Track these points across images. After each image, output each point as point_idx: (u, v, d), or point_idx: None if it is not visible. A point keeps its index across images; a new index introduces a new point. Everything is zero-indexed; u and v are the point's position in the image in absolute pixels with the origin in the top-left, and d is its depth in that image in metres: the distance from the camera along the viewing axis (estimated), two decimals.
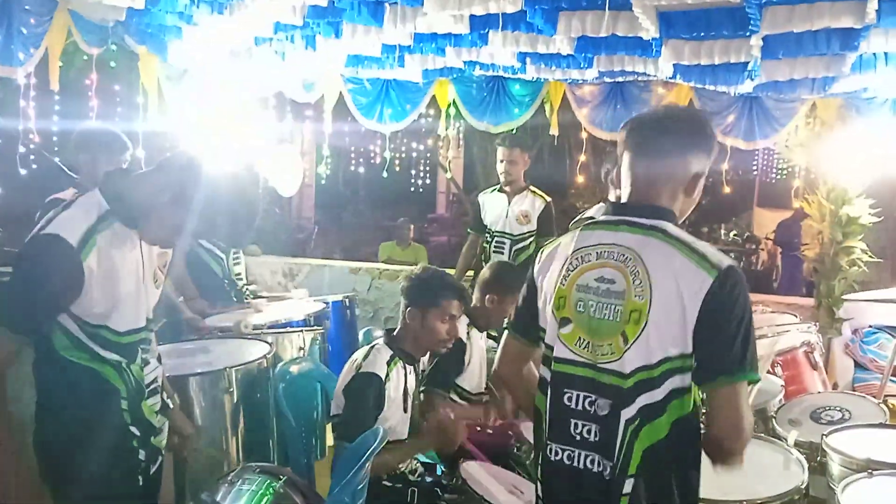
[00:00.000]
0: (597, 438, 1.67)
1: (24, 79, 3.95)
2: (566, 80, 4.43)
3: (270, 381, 2.90)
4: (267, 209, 7.18)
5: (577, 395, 1.70)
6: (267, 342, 3.08)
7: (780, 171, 11.46)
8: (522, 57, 3.81)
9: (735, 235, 11.89)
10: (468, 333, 3.41)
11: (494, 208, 4.70)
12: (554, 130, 4.89)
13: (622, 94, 4.67)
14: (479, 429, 3.28)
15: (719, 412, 1.59)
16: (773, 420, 2.83)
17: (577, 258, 1.76)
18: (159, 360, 2.15)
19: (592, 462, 1.68)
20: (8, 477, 1.78)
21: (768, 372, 3.14)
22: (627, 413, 1.63)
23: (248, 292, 4.58)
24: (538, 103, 4.81)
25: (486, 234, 4.73)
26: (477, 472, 2.73)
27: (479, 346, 3.51)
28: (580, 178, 5.76)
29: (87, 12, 3.81)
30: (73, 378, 1.85)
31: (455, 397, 3.38)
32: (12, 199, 4.72)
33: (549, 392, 1.76)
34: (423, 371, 3.36)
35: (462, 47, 3.68)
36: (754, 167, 12.03)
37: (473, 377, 3.48)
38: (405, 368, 2.80)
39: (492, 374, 2.33)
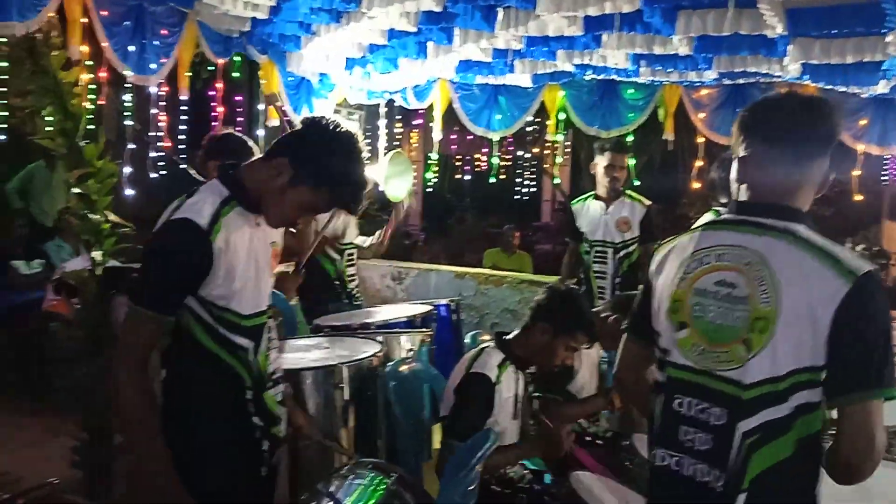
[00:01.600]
0: (707, 448, 1.59)
1: (155, 88, 4.23)
2: (682, 82, 4.29)
3: (380, 379, 2.94)
4: (376, 215, 7.34)
5: (689, 402, 1.63)
6: (378, 341, 3.13)
7: None
8: (636, 59, 3.73)
9: (863, 249, 11.14)
10: None
11: (591, 216, 4.54)
12: (668, 135, 4.73)
13: (742, 96, 4.48)
14: (588, 438, 3.22)
15: (851, 430, 1.47)
16: None
17: (695, 260, 1.67)
18: (279, 350, 2.20)
19: (701, 472, 1.60)
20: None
21: None
22: (745, 426, 1.54)
23: (358, 294, 4.67)
24: (651, 107, 4.68)
25: (585, 244, 4.60)
26: (588, 483, 2.67)
27: (588, 354, 3.44)
28: (695, 185, 5.55)
29: (214, 23, 4.03)
30: (200, 367, 1.92)
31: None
32: (143, 203, 5.04)
33: (661, 397, 1.71)
34: (531, 374, 3.32)
35: (574, 50, 3.64)
36: (884, 176, 11.22)
37: (583, 385, 3.41)
38: (516, 373, 2.78)
39: (613, 381, 2.27)
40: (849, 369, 1.48)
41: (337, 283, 4.42)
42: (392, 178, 5.09)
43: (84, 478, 3.52)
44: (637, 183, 4.90)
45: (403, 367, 3.01)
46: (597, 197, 4.56)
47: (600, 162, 4.46)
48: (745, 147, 1.66)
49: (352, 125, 5.44)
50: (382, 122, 5.63)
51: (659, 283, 1.75)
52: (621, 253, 4.44)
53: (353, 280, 4.59)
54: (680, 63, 3.66)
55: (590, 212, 4.57)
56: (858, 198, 4.78)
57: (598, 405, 3.23)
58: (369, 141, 5.68)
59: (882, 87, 3.62)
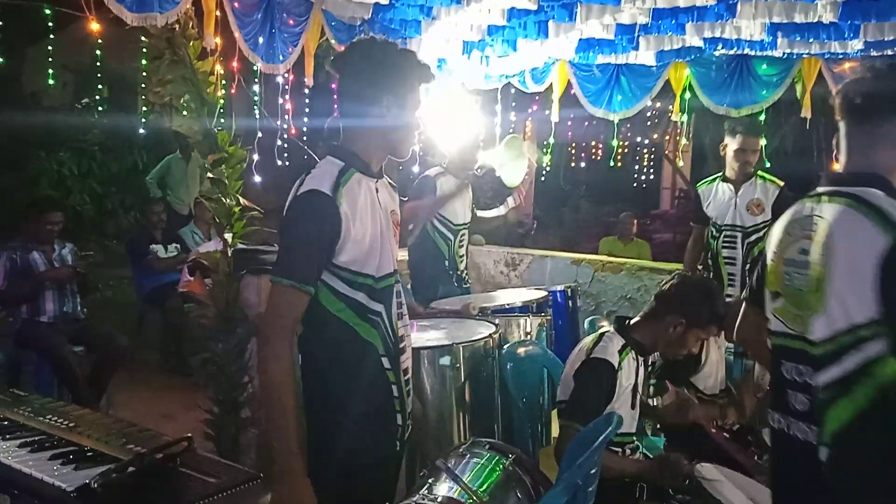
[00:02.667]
0: (798, 407, 1.70)
1: (283, 76, 4.38)
2: (823, 54, 3.98)
3: (496, 361, 2.92)
4: (489, 202, 7.33)
5: (790, 367, 1.73)
6: (493, 323, 3.11)
7: None
8: (774, 29, 3.48)
9: None
10: None
11: (719, 200, 4.30)
12: (806, 113, 4.40)
13: (892, 68, 4.09)
14: (714, 430, 3.07)
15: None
16: None
17: (787, 232, 1.79)
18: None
19: (801, 431, 1.70)
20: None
21: None
22: (821, 380, 1.62)
23: (467, 278, 4.67)
24: (788, 83, 4.37)
25: (712, 228, 4.38)
26: (712, 474, 2.54)
27: (717, 345, 3.27)
28: (835, 167, 5.15)
29: (338, 11, 4.11)
30: (335, 341, 1.95)
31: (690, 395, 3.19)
32: (270, 189, 5.26)
33: (772, 363, 1.82)
34: (654, 363, 3.20)
35: (705, 22, 3.44)
36: None
37: (710, 377, 3.26)
38: (637, 360, 2.68)
39: (734, 336, 2.22)
40: None
41: (447, 264, 4.43)
42: (508, 163, 5.05)
43: (213, 449, 3.71)
44: (768, 165, 4.59)
45: (520, 350, 2.98)
46: (725, 179, 4.32)
47: (731, 144, 4.21)
48: (839, 123, 1.75)
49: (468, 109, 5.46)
50: (499, 108, 5.58)
51: (766, 256, 1.88)
52: (752, 237, 4.18)
53: (463, 262, 4.59)
54: (822, 32, 3.38)
55: (718, 194, 4.34)
56: None
57: (712, 413, 3.07)
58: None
59: None
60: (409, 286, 4.63)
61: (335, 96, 4.66)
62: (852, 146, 1.70)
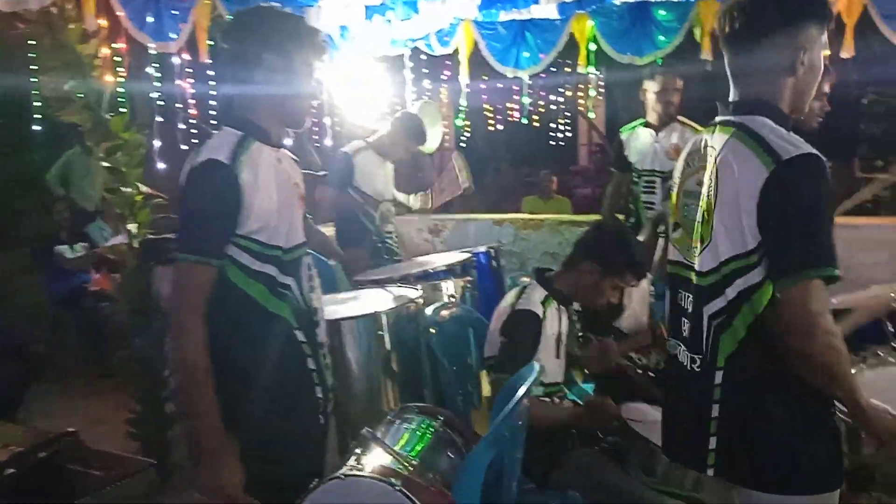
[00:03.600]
0: (689, 334, 1.73)
1: (177, 56, 4.18)
2: None
3: (421, 326, 2.89)
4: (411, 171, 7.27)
5: (683, 295, 1.77)
6: (416, 288, 3.07)
7: None
8: None
9: None
10: None
11: (640, 145, 4.36)
12: (706, 55, 4.46)
13: None
14: (640, 371, 3.14)
15: (788, 313, 1.50)
16: None
17: (687, 164, 1.82)
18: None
19: (689, 358, 1.73)
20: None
21: None
22: (709, 309, 1.65)
23: (397, 249, 4.63)
24: (687, 27, 4.42)
25: (633, 174, 4.44)
26: (641, 414, 2.60)
27: (639, 288, 3.33)
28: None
29: None
30: (246, 312, 1.87)
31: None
32: (174, 173, 5.06)
33: (668, 293, 1.87)
34: (577, 311, 3.24)
35: None
36: None
37: (633, 319, 3.32)
38: (559, 309, 2.70)
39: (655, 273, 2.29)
40: (779, 252, 1.52)
41: (376, 238, 4.38)
42: None
43: (140, 448, 3.58)
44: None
45: (444, 313, 2.96)
46: (647, 124, 4.37)
47: (651, 87, 4.27)
48: (724, 48, 1.72)
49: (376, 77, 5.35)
50: (408, 74, 5.49)
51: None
52: (670, 182, 4.24)
53: (391, 235, 4.56)
54: None
55: (639, 140, 4.39)
56: None
57: (641, 341, 3.16)
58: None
59: None
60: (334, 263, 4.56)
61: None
62: (737, 74, 1.70)
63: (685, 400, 1.76)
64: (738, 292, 1.59)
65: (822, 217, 1.51)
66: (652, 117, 4.32)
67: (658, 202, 4.29)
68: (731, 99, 1.72)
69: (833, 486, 1.61)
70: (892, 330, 2.92)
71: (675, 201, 1.84)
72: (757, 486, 1.61)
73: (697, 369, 1.70)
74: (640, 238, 3.34)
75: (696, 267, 1.69)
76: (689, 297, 1.74)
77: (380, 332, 2.70)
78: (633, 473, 2.47)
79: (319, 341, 2.01)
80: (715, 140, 1.68)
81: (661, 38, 4.46)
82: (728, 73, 1.72)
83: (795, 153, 1.52)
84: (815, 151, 1.53)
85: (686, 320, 1.75)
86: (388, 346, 2.74)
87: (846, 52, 3.98)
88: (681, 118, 4.33)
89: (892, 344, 2.90)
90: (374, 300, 2.95)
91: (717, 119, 1.74)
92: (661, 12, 4.44)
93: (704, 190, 1.67)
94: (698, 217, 1.69)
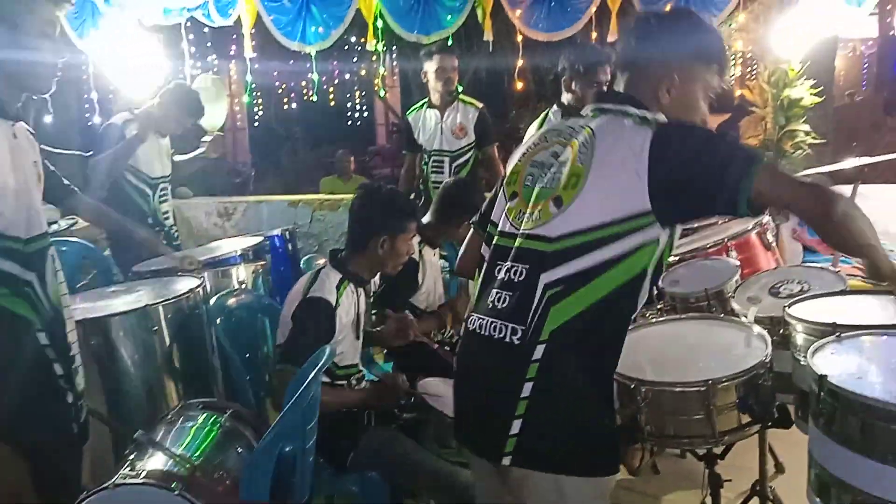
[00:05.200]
0: (510, 305, 1.62)
1: None
2: None
3: (206, 317, 2.71)
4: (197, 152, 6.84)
5: (504, 266, 1.67)
6: (196, 277, 2.87)
7: None
8: None
9: None
10: (421, 252, 3.27)
11: (426, 126, 4.44)
12: (488, 36, 4.62)
13: None
14: (437, 346, 3.19)
15: (789, 204, 1.52)
16: (732, 300, 2.76)
17: (542, 138, 1.77)
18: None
19: (499, 329, 1.62)
20: None
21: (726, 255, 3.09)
22: (548, 278, 1.57)
23: (176, 234, 4.32)
24: (469, 8, 4.55)
25: (423, 154, 4.51)
26: (435, 388, 2.63)
27: (432, 264, 3.38)
28: (519, 85, 5.58)
29: None
30: None
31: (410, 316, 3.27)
32: None
33: (485, 267, 1.74)
34: (374, 292, 3.22)
35: None
36: None
37: (427, 295, 3.36)
38: (356, 292, 2.65)
39: (455, 268, 2.25)
40: (714, 188, 1.48)
41: (150, 221, 4.04)
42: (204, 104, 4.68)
43: None
44: (461, 89, 4.77)
45: (231, 300, 2.79)
46: (431, 105, 4.43)
47: (430, 67, 4.31)
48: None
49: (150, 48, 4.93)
50: (186, 46, 5.12)
51: (508, 164, 1.83)
52: (458, 161, 4.38)
53: (168, 218, 4.23)
54: None
55: (426, 121, 4.45)
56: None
57: (432, 325, 3.22)
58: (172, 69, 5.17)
59: None
60: (107, 252, 4.16)
61: None
62: (623, 71, 1.74)
63: (487, 378, 1.65)
64: (602, 260, 1.54)
65: (718, 136, 1.56)
66: (435, 98, 4.39)
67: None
68: (614, 88, 1.77)
69: (616, 468, 1.67)
70: (655, 290, 3.23)
71: (520, 170, 1.76)
72: (556, 468, 1.56)
73: (517, 342, 1.59)
74: (430, 219, 3.38)
75: (542, 233, 1.61)
76: (513, 266, 1.65)
77: (155, 328, 2.48)
78: (429, 447, 2.50)
79: (68, 343, 1.79)
80: (589, 122, 1.69)
81: (447, 17, 4.54)
82: (618, 66, 1.77)
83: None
84: None
85: (503, 291, 1.64)
86: (167, 341, 2.53)
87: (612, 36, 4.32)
88: (463, 97, 4.44)
89: (657, 304, 3.20)
90: (150, 292, 2.71)
91: (592, 106, 1.76)
92: None
93: (570, 158, 1.63)
94: (561, 183, 1.62)
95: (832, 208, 1.46)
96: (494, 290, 1.66)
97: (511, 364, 1.58)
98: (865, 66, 9.08)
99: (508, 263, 1.66)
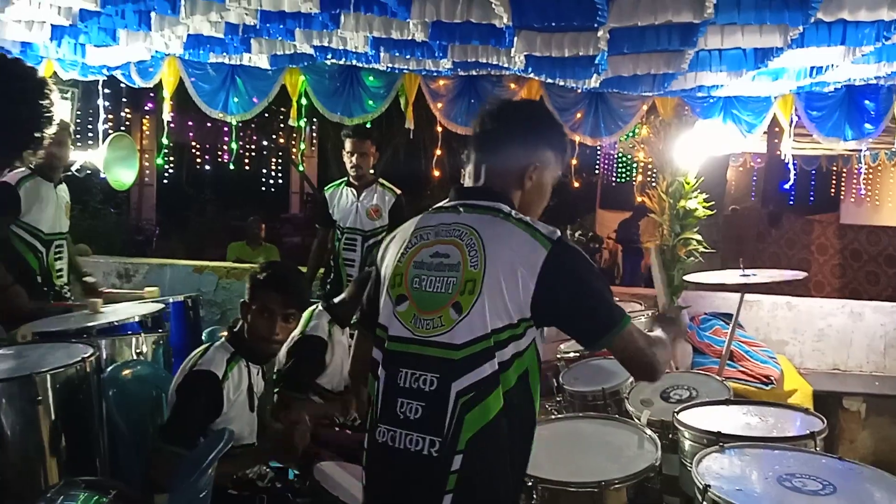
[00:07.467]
0: (423, 416, 1.60)
1: None
2: (421, 70, 4.35)
3: (96, 388, 2.58)
4: (100, 207, 6.60)
5: (408, 374, 1.64)
6: (90, 345, 2.74)
7: (620, 174, 12.23)
8: (376, 43, 3.69)
9: (580, 235, 12.51)
10: (329, 331, 3.26)
11: (343, 204, 4.57)
12: (410, 124, 4.80)
13: (475, 88, 4.67)
14: (338, 428, 3.15)
15: (625, 357, 1.69)
16: (626, 401, 2.89)
17: (416, 237, 1.76)
18: None
19: (413, 442, 1.60)
20: None
21: None
22: (459, 385, 1.58)
23: (67, 292, 4.14)
24: (393, 96, 4.71)
25: (337, 231, 4.58)
26: (332, 472, 2.59)
27: (341, 343, 3.36)
28: (436, 173, 5.75)
29: None
30: None
31: (315, 397, 3.22)
32: None
33: (381, 373, 1.69)
34: (278, 371, 3.17)
35: (312, 30, 3.50)
36: (597, 170, 12.75)
37: (335, 376, 3.33)
38: (248, 367, 2.60)
39: (348, 372, 2.24)
40: (589, 320, 1.65)
41: (40, 279, 3.86)
42: (114, 163, 4.60)
43: None
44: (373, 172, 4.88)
45: (126, 372, 2.68)
46: (349, 184, 4.58)
47: (346, 147, 4.49)
48: (472, 145, 1.85)
49: (63, 106, 4.81)
50: (101, 103, 5.02)
51: (384, 266, 1.81)
52: (371, 241, 4.48)
53: (62, 277, 4.05)
54: (417, 50, 3.68)
55: (343, 198, 4.58)
56: (576, 185, 5.24)
57: (334, 409, 3.19)
58: (84, 124, 5.04)
59: (594, 82, 3.98)
60: None
61: None
62: (477, 166, 1.81)
63: (406, 492, 1.61)
64: (504, 360, 1.58)
65: (602, 279, 1.70)
66: (352, 176, 4.54)
67: (357, 259, 4.47)
68: (472, 184, 1.82)
69: None
70: (556, 384, 3.33)
71: (403, 272, 1.72)
72: None
73: (436, 454, 1.56)
74: (344, 297, 3.40)
75: (447, 340, 1.60)
76: (420, 375, 1.62)
77: (39, 398, 2.34)
78: None
79: None
80: (466, 218, 1.71)
81: (370, 102, 4.69)
82: (469, 164, 1.84)
83: (558, 234, 1.66)
84: None
85: (412, 401, 1.61)
86: (52, 413, 2.39)
87: None
88: (382, 181, 4.61)
89: (557, 398, 3.29)
90: (37, 359, 2.57)
91: (455, 201, 1.79)
92: (370, 78, 4.67)
93: (461, 262, 1.64)
94: (458, 288, 1.62)
95: (655, 377, 1.79)
96: (401, 400, 1.62)
97: (430, 477, 1.57)
98: (755, 179, 9.86)
99: (411, 371, 1.63)
